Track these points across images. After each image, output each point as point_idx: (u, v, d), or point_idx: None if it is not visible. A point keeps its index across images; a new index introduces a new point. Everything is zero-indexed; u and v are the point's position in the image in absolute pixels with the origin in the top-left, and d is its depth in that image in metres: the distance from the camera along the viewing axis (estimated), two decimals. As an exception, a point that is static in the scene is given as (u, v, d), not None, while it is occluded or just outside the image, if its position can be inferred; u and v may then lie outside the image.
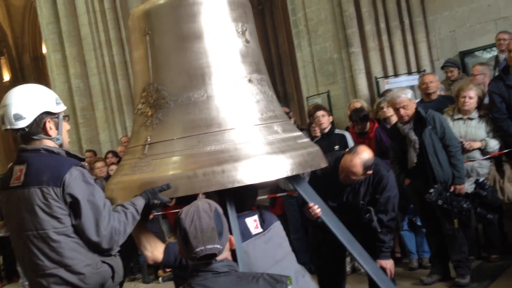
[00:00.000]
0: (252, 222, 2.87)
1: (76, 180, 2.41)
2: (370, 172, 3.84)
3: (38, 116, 2.53)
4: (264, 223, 2.90)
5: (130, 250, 3.34)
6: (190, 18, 2.95)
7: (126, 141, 8.93)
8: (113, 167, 7.46)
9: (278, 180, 2.88)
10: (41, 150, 2.53)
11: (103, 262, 2.52)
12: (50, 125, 2.57)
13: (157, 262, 2.76)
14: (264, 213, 2.97)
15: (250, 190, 2.97)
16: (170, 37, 2.99)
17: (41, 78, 21.49)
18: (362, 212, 3.92)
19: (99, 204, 2.44)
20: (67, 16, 11.27)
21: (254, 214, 2.92)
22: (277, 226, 2.97)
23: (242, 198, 2.92)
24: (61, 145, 2.64)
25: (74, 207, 2.41)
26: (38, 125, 2.54)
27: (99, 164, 7.55)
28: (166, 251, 2.71)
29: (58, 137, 2.61)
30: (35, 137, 2.55)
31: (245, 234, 2.81)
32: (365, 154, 3.77)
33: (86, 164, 8.54)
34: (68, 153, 2.62)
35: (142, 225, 2.78)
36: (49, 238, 2.41)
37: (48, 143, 2.57)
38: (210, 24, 2.97)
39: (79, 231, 2.43)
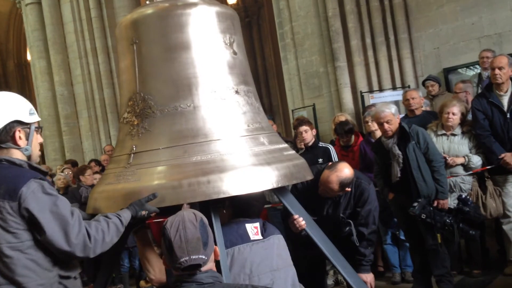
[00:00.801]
0: (252, 229, 2.87)
1: (34, 194, 2.29)
2: (348, 189, 3.86)
3: (8, 124, 2.43)
4: (265, 232, 2.90)
5: (112, 261, 3.31)
6: (178, 28, 2.95)
7: (110, 150, 8.89)
8: (96, 176, 7.43)
9: (263, 192, 2.87)
10: (2, 161, 2.42)
11: (60, 283, 2.40)
12: (20, 134, 2.46)
13: (162, 284, 2.71)
14: (267, 224, 2.98)
15: (256, 199, 2.98)
16: (157, 47, 2.98)
17: (25, 85, 21.32)
18: (342, 225, 3.93)
19: (65, 214, 2.33)
20: (53, 23, 11.22)
21: (256, 222, 2.92)
22: (279, 238, 2.97)
23: (247, 206, 2.91)
24: (29, 157, 2.52)
25: (33, 222, 2.29)
26: (8, 133, 2.44)
27: (89, 172, 7.54)
28: (168, 272, 2.67)
29: (27, 147, 2.49)
30: (2, 145, 2.44)
31: (244, 238, 2.82)
32: (344, 172, 3.79)
33: (69, 172, 8.49)
34: (30, 166, 2.49)
35: (147, 248, 2.75)
36: (2, 253, 2.28)
37: (15, 153, 2.46)
38: (198, 34, 2.97)
39: (47, 245, 2.31)
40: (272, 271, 2.80)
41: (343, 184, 3.78)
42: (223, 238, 2.76)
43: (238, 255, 2.76)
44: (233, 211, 3.00)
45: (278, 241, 2.95)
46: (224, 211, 3.04)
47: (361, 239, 3.94)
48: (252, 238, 2.84)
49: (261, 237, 2.87)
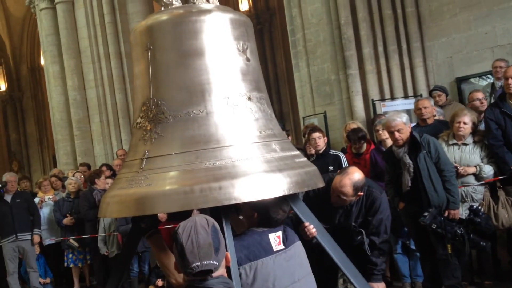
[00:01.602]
0: (275, 239, 2.84)
1: None
2: (361, 193, 3.83)
3: None
4: (286, 240, 2.88)
5: (122, 265, 3.33)
6: (192, 35, 2.97)
7: (122, 154, 8.93)
8: (108, 180, 7.47)
9: (275, 198, 2.86)
10: None
11: None
12: None
13: None
14: (287, 230, 2.96)
15: (283, 209, 2.94)
16: (171, 53, 2.99)
17: (38, 89, 21.52)
18: (354, 234, 3.91)
19: None
20: (67, 28, 11.32)
21: (278, 230, 2.90)
22: (299, 245, 2.95)
23: (273, 215, 2.89)
24: None
25: None
26: None
27: (103, 176, 7.64)
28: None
29: None
30: None
31: (267, 249, 2.79)
32: (355, 175, 3.78)
33: (81, 176, 8.55)
34: None
35: (163, 252, 2.76)
36: None
37: None
38: (212, 41, 2.98)
39: None
40: (293, 283, 2.78)
41: (356, 187, 3.76)
42: (247, 250, 2.74)
43: (262, 268, 2.73)
44: (259, 219, 2.95)
45: (299, 250, 2.93)
46: (240, 217, 3.02)
47: (372, 248, 3.92)
48: (275, 250, 2.81)
49: (283, 247, 2.85)
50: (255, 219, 2.93)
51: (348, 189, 3.74)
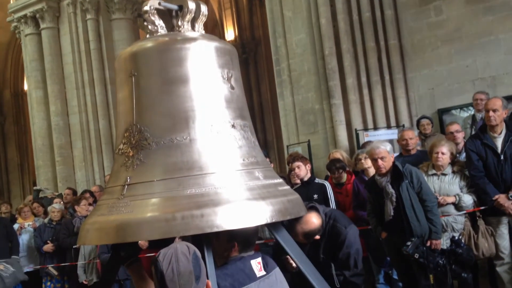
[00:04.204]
0: (257, 265, 2.82)
1: None
2: (317, 237, 3.86)
3: None
4: (267, 266, 2.86)
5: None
6: (177, 62, 2.97)
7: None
8: (90, 207, 7.38)
9: (257, 227, 2.84)
10: None
11: None
12: None
13: None
14: (265, 257, 2.94)
15: (254, 234, 2.94)
16: (156, 80, 2.99)
17: (20, 114, 21.35)
18: (323, 266, 3.89)
19: None
20: (52, 54, 11.34)
21: (258, 257, 2.88)
22: (279, 272, 2.93)
23: (252, 240, 2.88)
24: None
25: None
26: None
27: (84, 202, 7.52)
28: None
29: None
30: None
31: (251, 276, 2.75)
32: (308, 224, 3.79)
33: (62, 202, 8.44)
34: None
35: (142, 282, 2.72)
36: None
37: None
38: (197, 69, 2.99)
39: None
40: None
41: (308, 236, 3.80)
42: (231, 279, 2.72)
43: None
44: (241, 245, 2.93)
45: (279, 275, 2.91)
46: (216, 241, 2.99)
47: (344, 281, 3.90)
48: (258, 275, 2.79)
49: (265, 272, 2.83)
50: (233, 249, 2.91)
51: (300, 237, 3.77)
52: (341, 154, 6.80)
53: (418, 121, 7.27)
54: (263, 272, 2.82)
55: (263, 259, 2.89)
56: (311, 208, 3.92)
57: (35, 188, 10.43)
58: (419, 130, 7.11)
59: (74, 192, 9.57)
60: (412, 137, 6.04)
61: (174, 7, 3.08)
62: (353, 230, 4.05)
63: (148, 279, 2.73)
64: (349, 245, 3.93)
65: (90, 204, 7.66)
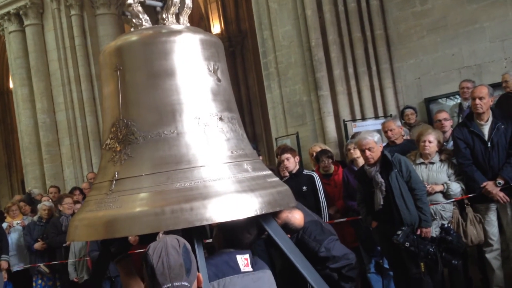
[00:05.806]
0: (243, 260, 2.82)
1: None
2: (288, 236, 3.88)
3: None
4: (255, 265, 2.86)
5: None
6: (162, 55, 2.95)
7: (92, 178, 8.80)
8: (77, 205, 7.34)
9: (242, 220, 2.84)
10: None
11: None
12: None
13: None
14: (256, 258, 2.94)
15: (249, 231, 2.94)
16: (141, 74, 2.96)
17: (6, 112, 21.16)
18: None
19: None
20: (36, 51, 11.23)
21: (246, 254, 2.88)
22: (268, 273, 2.93)
23: (239, 237, 2.89)
24: None
25: None
26: None
27: (67, 200, 7.44)
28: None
29: None
30: None
31: (235, 269, 2.77)
32: (293, 215, 3.80)
33: (49, 200, 8.39)
34: None
35: (130, 278, 2.70)
36: None
37: None
38: (182, 61, 2.96)
39: None
40: None
41: (285, 226, 3.79)
42: (215, 268, 2.72)
43: (230, 285, 2.71)
44: (225, 241, 2.94)
45: (268, 276, 2.91)
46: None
47: (340, 276, 3.94)
48: (242, 270, 2.79)
49: (251, 269, 2.83)
50: (218, 241, 2.92)
51: (279, 222, 3.74)
52: (320, 147, 6.85)
53: (402, 111, 7.30)
54: (249, 269, 2.82)
55: (253, 258, 2.90)
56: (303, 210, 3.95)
57: (26, 192, 10.33)
58: (403, 120, 7.14)
59: (59, 190, 9.51)
60: (393, 127, 6.05)
61: (158, 3, 3.06)
62: (330, 240, 4.04)
63: (137, 276, 2.71)
64: (336, 257, 3.96)
65: (78, 202, 7.61)
